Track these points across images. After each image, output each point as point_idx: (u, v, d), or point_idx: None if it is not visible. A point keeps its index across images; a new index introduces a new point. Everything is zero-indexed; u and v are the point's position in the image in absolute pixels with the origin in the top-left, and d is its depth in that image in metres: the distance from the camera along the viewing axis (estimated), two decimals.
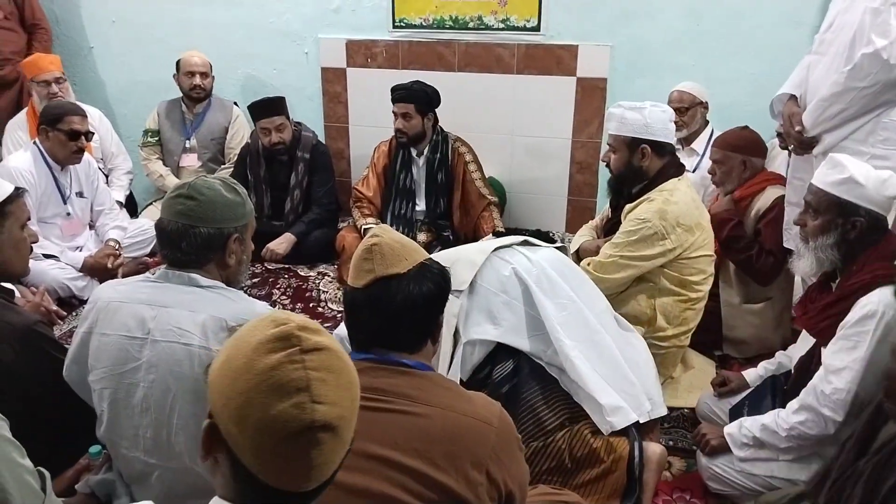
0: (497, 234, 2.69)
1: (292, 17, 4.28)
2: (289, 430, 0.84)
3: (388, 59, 4.20)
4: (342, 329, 1.51)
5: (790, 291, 2.92)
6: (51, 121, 3.26)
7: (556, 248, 2.37)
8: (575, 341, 2.08)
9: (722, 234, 2.78)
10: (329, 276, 3.76)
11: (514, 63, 4.02)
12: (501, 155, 4.16)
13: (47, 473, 1.39)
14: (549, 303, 2.10)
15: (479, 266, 2.14)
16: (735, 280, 2.89)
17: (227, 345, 0.92)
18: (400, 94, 3.55)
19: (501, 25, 3.97)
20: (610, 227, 2.82)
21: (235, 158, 4.06)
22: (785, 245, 2.68)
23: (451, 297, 2.03)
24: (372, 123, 4.28)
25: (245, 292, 1.72)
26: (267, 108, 3.74)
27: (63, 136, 3.26)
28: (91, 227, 3.67)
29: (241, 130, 4.22)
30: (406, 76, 3.74)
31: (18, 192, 1.87)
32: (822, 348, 1.95)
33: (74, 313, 3.25)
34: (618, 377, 2.12)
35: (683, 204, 2.48)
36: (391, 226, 3.58)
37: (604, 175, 3.97)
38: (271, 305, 2.74)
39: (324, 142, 4.28)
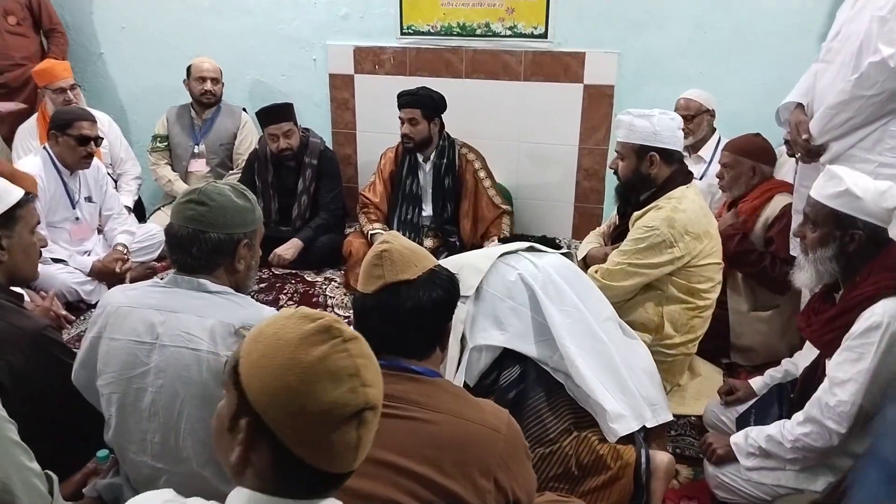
0: (502, 241, 2.69)
1: (301, 23, 4.30)
2: (345, 413, 0.91)
3: (396, 66, 4.22)
4: None
5: (797, 299, 2.90)
6: (61, 126, 3.28)
7: (562, 253, 2.37)
8: (579, 349, 2.08)
9: (729, 249, 2.77)
10: (336, 281, 3.77)
11: (522, 70, 4.03)
12: (508, 161, 4.17)
13: (55, 477, 1.40)
14: (555, 309, 2.10)
15: (485, 272, 2.13)
16: (743, 287, 2.89)
17: (254, 346, 0.95)
18: (406, 99, 3.56)
19: (509, 32, 3.98)
20: (618, 235, 2.81)
21: (243, 164, 4.07)
22: (791, 253, 2.67)
23: (460, 307, 2.04)
24: (379, 130, 4.29)
25: (252, 297, 1.73)
26: (275, 115, 3.76)
27: (73, 142, 3.29)
28: (100, 231, 3.69)
29: (249, 136, 4.24)
30: (413, 83, 3.76)
31: (28, 197, 1.89)
32: (827, 360, 1.94)
33: (82, 317, 3.26)
34: (619, 387, 2.12)
35: (692, 212, 2.47)
36: (398, 231, 3.59)
37: (610, 182, 3.97)
38: (278, 311, 2.74)
39: (331, 148, 4.29)
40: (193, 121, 4.21)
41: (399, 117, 3.60)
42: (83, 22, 4.66)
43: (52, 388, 1.77)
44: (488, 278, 2.14)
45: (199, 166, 4.19)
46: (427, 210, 3.77)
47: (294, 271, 3.83)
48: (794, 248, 2.63)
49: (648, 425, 2.13)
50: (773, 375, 2.34)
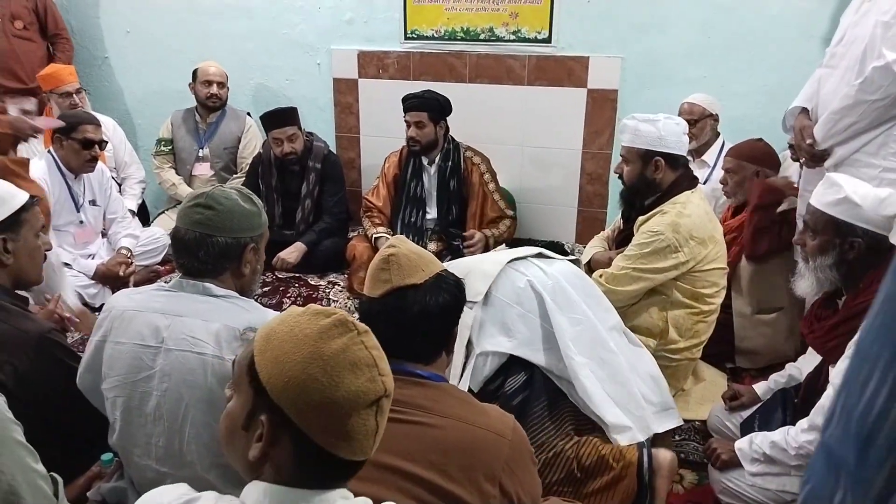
0: (511, 245, 2.68)
1: (306, 28, 4.31)
2: (366, 401, 0.96)
3: (400, 70, 4.22)
4: None
5: (801, 301, 2.90)
6: (65, 130, 3.30)
7: (571, 260, 2.36)
8: (586, 358, 2.07)
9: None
10: (339, 285, 3.77)
11: (525, 74, 4.03)
12: (511, 165, 4.17)
13: (60, 479, 1.40)
14: (563, 317, 2.09)
15: (494, 277, 2.12)
16: (747, 290, 2.88)
17: (268, 344, 0.98)
18: (412, 102, 3.57)
19: (513, 37, 3.98)
20: (622, 239, 2.81)
21: (247, 168, 4.08)
22: (795, 258, 2.67)
23: (464, 308, 2.03)
24: (383, 134, 4.30)
25: (255, 301, 1.73)
26: (279, 119, 3.76)
27: (77, 145, 3.30)
28: (104, 235, 3.69)
29: (253, 140, 4.25)
30: (417, 87, 3.76)
31: (33, 201, 1.89)
32: (830, 366, 1.93)
33: None
34: (626, 398, 2.11)
35: (696, 217, 2.47)
36: (401, 234, 3.59)
37: (614, 186, 3.98)
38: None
39: (335, 152, 4.30)
40: (198, 124, 4.22)
41: (405, 120, 3.60)
42: (88, 26, 4.68)
43: (57, 391, 1.76)
44: (497, 284, 2.12)
45: (203, 170, 4.20)
46: (431, 213, 3.76)
47: (297, 275, 3.83)
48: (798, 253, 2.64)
49: (658, 431, 2.12)
50: (777, 381, 2.34)
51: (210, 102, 4.13)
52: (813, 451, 1.79)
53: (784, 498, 1.96)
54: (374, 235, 3.64)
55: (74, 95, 3.80)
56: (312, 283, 3.79)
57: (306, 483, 0.97)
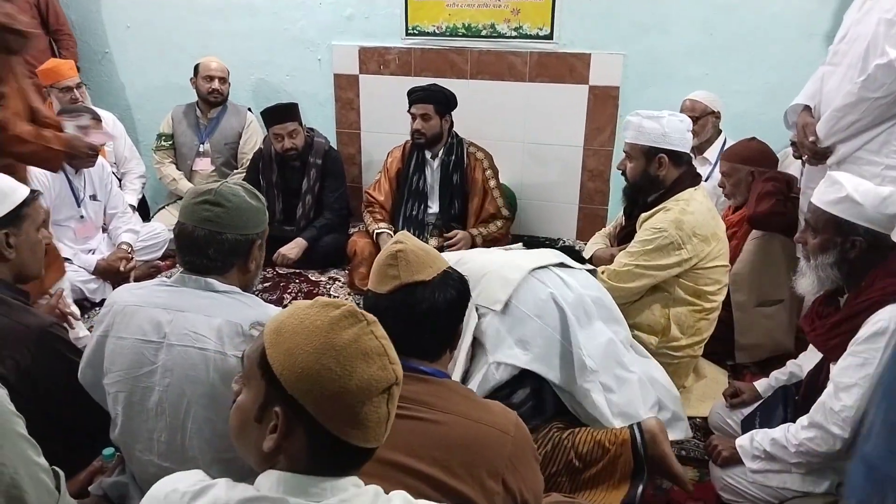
0: (528, 245, 2.64)
1: (307, 24, 4.31)
2: (378, 388, 0.99)
3: (401, 66, 4.22)
4: None
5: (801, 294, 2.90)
6: None
7: (588, 270, 2.35)
8: (602, 376, 2.07)
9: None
10: (340, 280, 3.77)
11: (527, 71, 4.03)
12: (513, 162, 4.17)
13: (62, 473, 1.40)
14: (582, 334, 2.07)
15: (516, 285, 2.08)
16: (747, 283, 2.87)
17: (279, 337, 1.00)
18: (419, 94, 3.57)
19: (514, 33, 3.98)
20: (624, 236, 2.81)
21: (248, 163, 4.08)
22: (797, 256, 2.67)
23: (473, 311, 2.01)
24: (383, 130, 4.29)
25: (257, 296, 1.73)
26: (280, 114, 3.76)
27: None
28: (104, 230, 3.69)
29: (254, 136, 4.24)
30: (418, 83, 3.75)
31: (34, 195, 1.89)
32: (832, 364, 1.93)
33: (87, 316, 3.26)
34: (636, 417, 2.10)
35: (699, 214, 2.47)
36: (402, 228, 3.59)
37: (616, 183, 3.98)
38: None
39: (336, 147, 4.30)
40: (199, 120, 4.21)
41: (410, 113, 3.59)
42: (89, 21, 4.67)
43: (58, 385, 1.76)
44: (518, 293, 2.07)
45: (203, 165, 4.20)
46: (433, 207, 3.76)
47: (298, 271, 3.83)
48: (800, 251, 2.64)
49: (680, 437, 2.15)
50: (777, 377, 2.34)
51: (211, 98, 4.12)
52: (815, 449, 1.80)
53: (784, 495, 1.96)
54: (376, 231, 3.64)
55: (74, 90, 3.78)
56: (313, 278, 3.79)
57: (319, 471, 0.99)
